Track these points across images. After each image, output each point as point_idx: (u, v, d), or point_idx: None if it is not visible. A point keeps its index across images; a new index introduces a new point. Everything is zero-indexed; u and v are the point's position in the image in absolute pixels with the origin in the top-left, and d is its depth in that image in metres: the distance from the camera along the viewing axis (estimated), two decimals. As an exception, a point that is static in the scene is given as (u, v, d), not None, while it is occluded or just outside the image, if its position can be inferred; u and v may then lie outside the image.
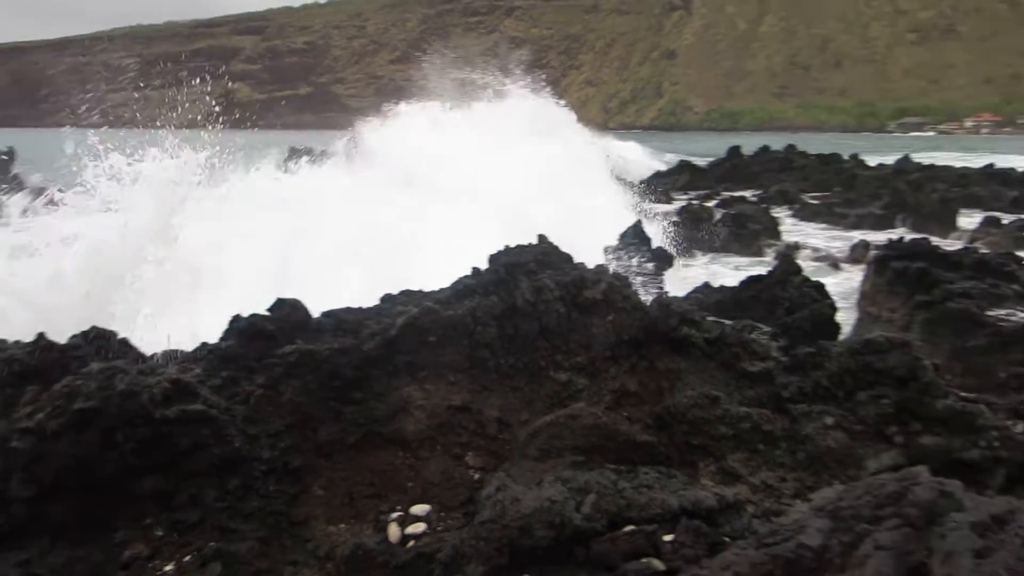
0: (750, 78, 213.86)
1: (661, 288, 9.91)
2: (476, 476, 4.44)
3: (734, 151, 34.56)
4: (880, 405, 4.45)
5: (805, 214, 22.75)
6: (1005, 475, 4.23)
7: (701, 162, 35.68)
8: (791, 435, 4.50)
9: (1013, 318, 8.03)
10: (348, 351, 4.41)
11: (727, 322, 5.26)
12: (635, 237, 11.37)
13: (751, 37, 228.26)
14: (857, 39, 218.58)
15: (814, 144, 36.65)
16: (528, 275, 4.79)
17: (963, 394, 4.96)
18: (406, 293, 4.95)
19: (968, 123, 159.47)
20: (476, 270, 4.94)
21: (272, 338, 4.47)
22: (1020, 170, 28.39)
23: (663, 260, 12.00)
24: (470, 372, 4.61)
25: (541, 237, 5.11)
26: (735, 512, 3.60)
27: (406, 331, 4.51)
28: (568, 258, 5.02)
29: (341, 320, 4.68)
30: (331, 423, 4.33)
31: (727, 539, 3.40)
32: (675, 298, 5.08)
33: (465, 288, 4.87)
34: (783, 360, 4.90)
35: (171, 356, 4.89)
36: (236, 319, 4.61)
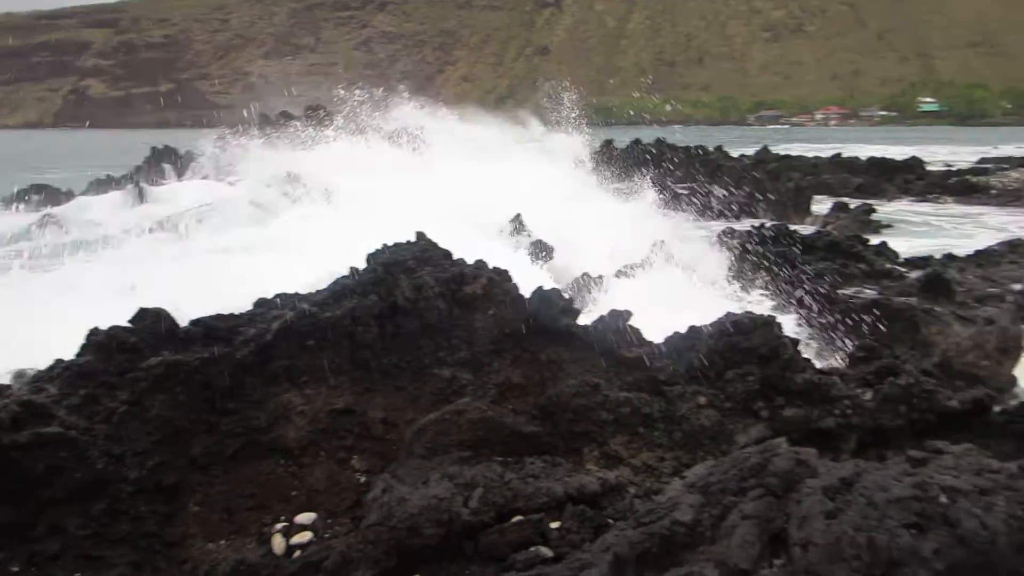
0: (620, 74, 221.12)
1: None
2: (363, 479, 4.36)
3: (607, 144, 35.77)
4: (747, 382, 4.72)
5: (675, 204, 23.76)
6: (857, 440, 4.60)
7: (577, 156, 36.56)
8: (668, 416, 4.70)
9: (861, 295, 8.75)
10: (220, 359, 4.22)
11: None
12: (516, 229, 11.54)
13: (620, 34, 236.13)
14: (717, 37, 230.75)
15: (683, 137, 38.48)
16: (407, 273, 4.74)
17: (819, 367, 5.35)
18: (281, 296, 4.78)
19: (818, 116, 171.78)
20: (354, 270, 4.84)
21: (135, 350, 4.20)
22: (864, 158, 30.86)
23: (543, 251, 12.24)
24: (352, 374, 4.51)
25: (419, 234, 5.07)
26: (617, 494, 3.73)
27: (282, 335, 4.36)
28: (447, 254, 5.01)
29: (211, 328, 4.46)
30: (205, 436, 4.13)
31: (611, 521, 3.52)
32: (554, 290, 5.17)
33: (343, 289, 4.77)
34: (657, 345, 5.11)
35: (20, 376, 4.50)
36: (94, 332, 4.29)
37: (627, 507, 3.62)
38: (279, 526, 3.93)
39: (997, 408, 5.00)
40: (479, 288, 4.86)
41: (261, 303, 4.82)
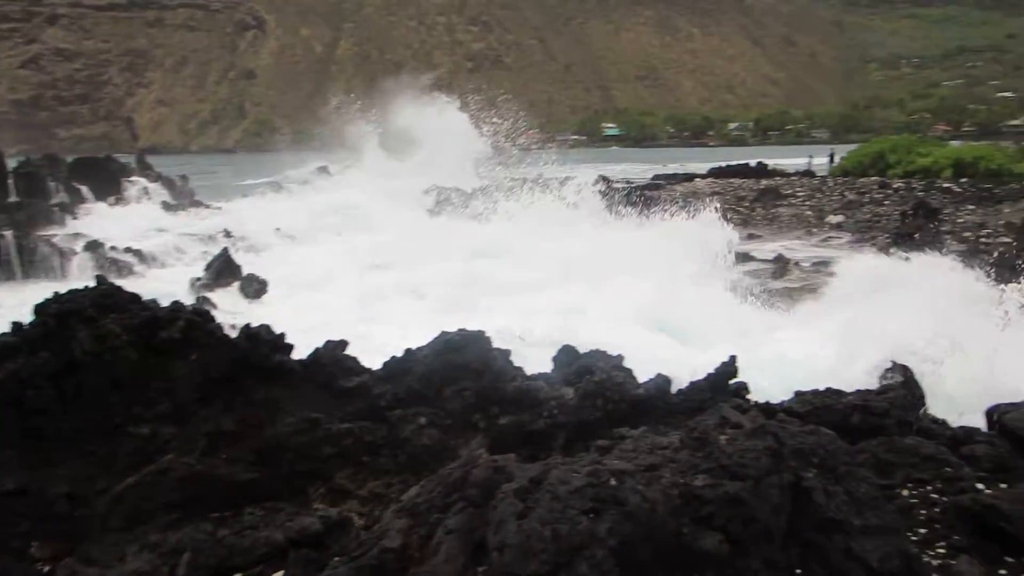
0: (332, 101, 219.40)
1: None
2: (46, 569, 3.76)
3: (323, 170, 35.69)
4: (464, 397, 4.91)
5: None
6: (565, 437, 5.01)
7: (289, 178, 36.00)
8: (392, 441, 4.72)
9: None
10: None
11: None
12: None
13: (329, 60, 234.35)
14: (425, 66, 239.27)
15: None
16: (87, 323, 4.21)
17: (528, 374, 5.75)
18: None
19: (520, 140, 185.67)
20: (17, 325, 4.18)
21: None
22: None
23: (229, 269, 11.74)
24: (22, 447, 3.88)
25: (99, 278, 4.53)
26: (343, 530, 3.64)
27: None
28: (135, 298, 4.54)
29: None
30: None
31: (336, 559, 3.42)
32: (263, 326, 4.94)
33: (5, 347, 4.09)
34: (377, 371, 5.12)
35: None
36: None
37: (352, 541, 3.56)
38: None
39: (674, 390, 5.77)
40: (177, 332, 4.48)
41: None
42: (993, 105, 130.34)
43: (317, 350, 5.02)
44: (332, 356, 5.02)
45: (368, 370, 5.09)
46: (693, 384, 5.82)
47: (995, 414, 5.92)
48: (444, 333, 5.33)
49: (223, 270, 14.21)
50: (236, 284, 14.01)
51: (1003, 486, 4.33)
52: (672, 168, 50.06)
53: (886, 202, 22.12)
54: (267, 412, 4.83)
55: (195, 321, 4.60)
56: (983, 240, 15.62)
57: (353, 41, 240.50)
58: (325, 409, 4.90)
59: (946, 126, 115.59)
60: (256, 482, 4.32)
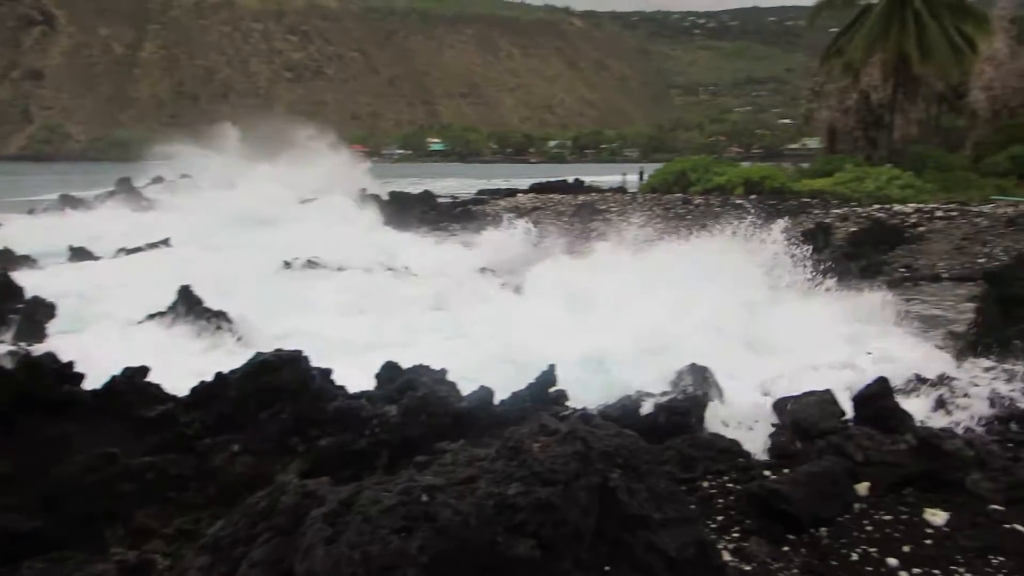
0: (136, 105, 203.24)
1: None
2: None
3: (123, 182, 32.71)
4: (280, 420, 4.71)
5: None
6: (388, 455, 4.95)
7: (85, 194, 32.54)
8: (201, 472, 4.42)
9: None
10: None
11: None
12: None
13: (132, 62, 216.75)
14: (240, 73, 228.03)
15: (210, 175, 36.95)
16: None
17: (350, 392, 5.62)
18: None
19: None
20: None
21: None
22: (385, 195, 33.46)
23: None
24: None
25: None
26: (143, 574, 3.35)
27: None
28: None
29: None
30: None
31: (136, 605, 3.14)
32: (47, 354, 4.45)
33: None
34: (183, 397, 4.78)
35: None
36: None
37: (154, 585, 3.28)
38: None
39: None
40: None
41: None
42: (776, 130, 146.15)
43: (114, 378, 4.61)
44: (131, 384, 4.63)
45: (173, 397, 4.73)
46: (515, 394, 5.98)
47: (781, 405, 6.62)
48: (259, 354, 5.09)
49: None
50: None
51: (786, 471, 4.83)
52: (496, 183, 51.26)
53: (688, 217, 24.05)
54: (53, 450, 4.35)
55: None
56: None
57: (159, 43, 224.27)
58: (124, 442, 4.50)
59: (738, 148, 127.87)
60: (39, 531, 3.87)
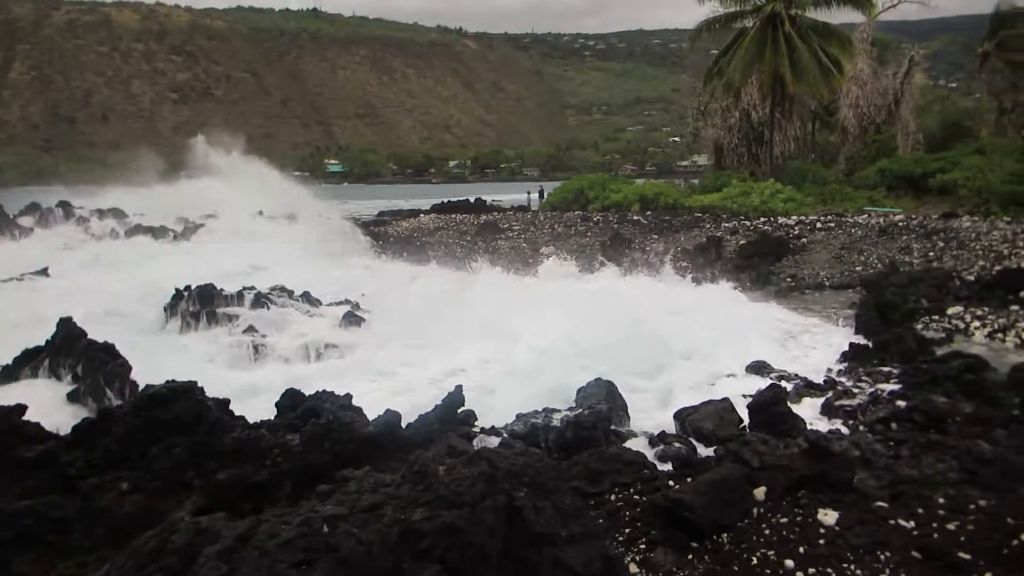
0: (6, 129, 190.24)
1: None
2: None
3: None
4: (173, 455, 4.47)
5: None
6: (291, 485, 4.78)
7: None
8: (85, 514, 4.13)
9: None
10: None
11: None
12: None
13: (1, 84, 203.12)
14: (121, 95, 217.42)
15: (95, 200, 34.79)
16: None
17: (251, 422, 5.40)
18: None
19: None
20: None
21: None
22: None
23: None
24: None
25: None
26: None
27: None
28: None
29: None
30: None
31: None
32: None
33: None
34: (65, 435, 4.47)
35: None
36: None
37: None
38: None
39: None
40: None
41: None
42: (667, 148, 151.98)
43: (-16, 420, 4.26)
44: (7, 423, 4.29)
45: (55, 436, 4.42)
46: (422, 417, 5.91)
47: (682, 415, 6.83)
48: (148, 387, 4.83)
49: None
50: None
51: (689, 480, 4.97)
52: (397, 204, 50.88)
53: (588, 233, 24.59)
54: (-88, 503, 3.97)
55: None
56: (667, 261, 18.05)
57: (30, 64, 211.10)
58: (-2, 488, 4.16)
59: (632, 166, 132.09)
60: None
